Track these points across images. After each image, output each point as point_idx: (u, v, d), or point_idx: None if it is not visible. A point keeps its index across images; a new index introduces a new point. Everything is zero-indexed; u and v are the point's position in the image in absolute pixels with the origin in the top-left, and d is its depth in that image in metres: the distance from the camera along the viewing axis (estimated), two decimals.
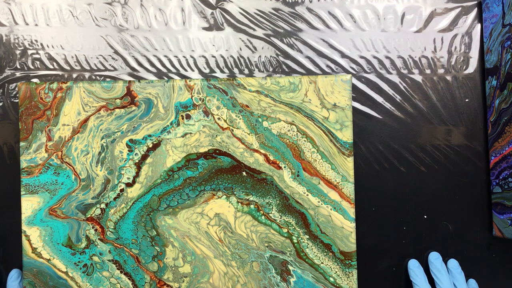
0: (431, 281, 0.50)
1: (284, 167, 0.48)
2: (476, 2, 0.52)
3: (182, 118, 0.48)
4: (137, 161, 0.49)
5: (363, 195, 0.51)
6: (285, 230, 0.48)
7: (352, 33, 0.52)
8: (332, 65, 0.52)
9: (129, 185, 0.49)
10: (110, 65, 0.52)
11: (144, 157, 0.49)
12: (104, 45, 0.52)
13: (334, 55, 0.52)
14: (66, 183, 0.49)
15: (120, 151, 0.49)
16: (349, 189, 0.48)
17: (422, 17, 0.52)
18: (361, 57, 0.52)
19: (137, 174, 0.49)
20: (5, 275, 0.51)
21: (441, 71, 0.52)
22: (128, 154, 0.49)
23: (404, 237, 0.51)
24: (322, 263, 0.48)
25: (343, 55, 0.52)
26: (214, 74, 0.52)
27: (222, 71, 0.52)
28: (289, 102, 0.48)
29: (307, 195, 0.48)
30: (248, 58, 0.52)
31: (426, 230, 0.51)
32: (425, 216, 0.51)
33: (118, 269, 0.49)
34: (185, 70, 0.52)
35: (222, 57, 0.52)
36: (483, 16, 0.51)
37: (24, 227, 0.49)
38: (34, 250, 0.49)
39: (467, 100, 0.52)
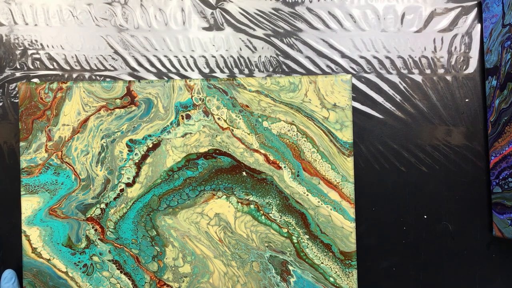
0: None
1: (284, 167, 0.48)
2: (476, 2, 0.52)
3: (182, 118, 0.48)
4: (137, 161, 0.49)
5: (363, 195, 0.51)
6: (285, 230, 0.48)
7: (352, 33, 0.52)
8: (332, 65, 0.52)
9: (129, 185, 0.49)
10: (110, 65, 0.52)
11: (144, 157, 0.49)
12: (104, 45, 0.52)
13: (334, 55, 0.52)
14: (66, 183, 0.49)
15: (120, 151, 0.49)
16: (349, 189, 0.48)
17: (422, 17, 0.52)
18: (361, 57, 0.52)
19: (137, 174, 0.49)
20: None
21: (441, 71, 0.52)
22: (128, 154, 0.49)
23: (404, 237, 0.51)
24: (322, 263, 0.48)
25: (343, 55, 0.52)
26: (214, 74, 0.52)
27: (222, 71, 0.52)
28: (289, 102, 0.48)
29: (307, 195, 0.48)
30: (248, 58, 0.52)
31: (426, 230, 0.51)
32: (425, 216, 0.51)
33: (118, 269, 0.49)
34: (185, 70, 0.52)
35: (222, 57, 0.52)
36: (483, 16, 0.51)
37: (24, 227, 0.49)
38: (34, 250, 0.49)
39: (467, 100, 0.52)
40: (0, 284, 0.48)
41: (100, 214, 0.49)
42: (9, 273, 0.48)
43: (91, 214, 0.49)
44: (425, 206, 0.51)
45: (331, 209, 0.48)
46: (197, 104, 0.48)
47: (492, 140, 0.50)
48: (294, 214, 0.48)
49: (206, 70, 0.52)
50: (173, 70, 0.52)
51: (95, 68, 0.52)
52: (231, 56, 0.52)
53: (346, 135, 0.48)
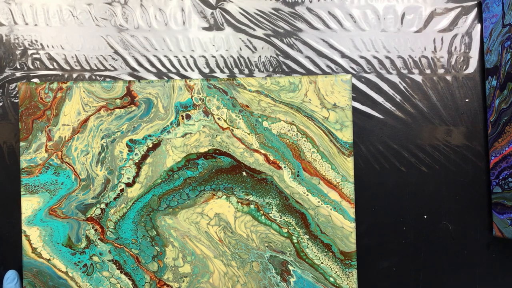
0: None
1: (284, 167, 0.48)
2: (476, 2, 0.52)
3: (182, 118, 0.48)
4: (137, 161, 0.49)
5: (363, 195, 0.51)
6: (285, 230, 0.48)
7: (352, 33, 0.52)
8: (332, 65, 0.52)
9: (129, 185, 0.49)
10: (110, 65, 0.52)
11: (144, 157, 0.49)
12: (104, 45, 0.52)
13: (334, 55, 0.52)
14: (66, 183, 0.49)
15: (120, 151, 0.49)
16: (349, 189, 0.48)
17: (422, 17, 0.52)
18: (361, 57, 0.52)
19: (137, 174, 0.49)
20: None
21: (441, 71, 0.52)
22: (128, 154, 0.49)
23: (404, 237, 0.51)
24: (322, 263, 0.48)
25: (343, 55, 0.52)
26: (214, 74, 0.52)
27: (222, 71, 0.52)
28: (289, 102, 0.48)
29: (307, 195, 0.48)
30: (248, 58, 0.52)
31: (426, 230, 0.51)
32: (425, 216, 0.51)
33: (118, 269, 0.49)
34: (185, 70, 0.52)
35: (222, 57, 0.52)
36: (483, 16, 0.51)
37: (24, 227, 0.49)
38: (34, 250, 0.49)
39: (467, 100, 0.52)
40: (2, 284, 0.48)
41: (100, 214, 0.49)
42: (11, 274, 0.48)
43: (91, 214, 0.49)
44: (425, 206, 0.51)
45: (331, 209, 0.48)
46: (197, 104, 0.48)
47: (492, 140, 0.50)
48: (294, 214, 0.48)
49: (206, 70, 0.52)
50: (173, 70, 0.52)
51: (95, 68, 0.52)
52: (231, 56, 0.52)
53: (346, 135, 0.48)
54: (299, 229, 0.48)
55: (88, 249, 0.49)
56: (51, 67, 0.52)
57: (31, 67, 0.52)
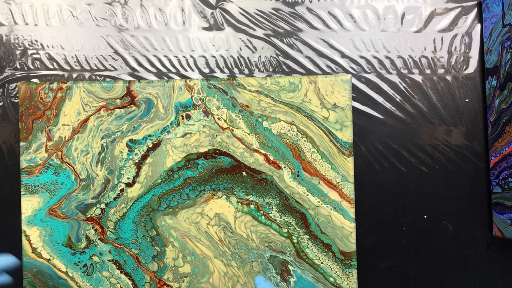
0: None
1: (284, 167, 0.48)
2: (476, 2, 0.52)
3: (182, 118, 0.48)
4: (137, 161, 0.49)
5: (363, 195, 0.51)
6: (285, 230, 0.48)
7: (352, 33, 0.52)
8: (332, 65, 0.52)
9: (129, 185, 0.49)
10: (110, 65, 0.52)
11: (144, 157, 0.49)
12: (104, 45, 0.52)
13: (334, 55, 0.52)
14: (66, 183, 0.49)
15: (120, 151, 0.49)
16: (349, 189, 0.48)
17: (422, 17, 0.52)
18: (361, 57, 0.52)
19: (137, 174, 0.49)
20: None
21: (441, 71, 0.52)
22: (128, 154, 0.49)
23: (404, 237, 0.51)
24: (322, 263, 0.48)
25: (343, 55, 0.52)
26: (214, 74, 0.52)
27: (222, 71, 0.52)
28: (289, 102, 0.48)
29: (307, 195, 0.48)
30: (248, 58, 0.52)
31: (426, 230, 0.51)
32: (425, 216, 0.51)
33: (118, 269, 0.49)
34: (185, 70, 0.52)
35: (222, 57, 0.52)
36: (483, 16, 0.51)
37: (24, 227, 0.49)
38: (34, 250, 0.49)
39: (467, 100, 0.52)
40: None
41: (100, 214, 0.49)
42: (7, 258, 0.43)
43: (91, 214, 0.49)
44: (425, 206, 0.51)
45: (331, 209, 0.48)
46: (197, 104, 0.48)
47: (492, 140, 0.50)
48: (294, 214, 0.48)
49: (206, 70, 0.52)
50: (173, 70, 0.52)
51: (95, 68, 0.52)
52: (231, 56, 0.52)
53: (346, 135, 0.48)
54: (299, 229, 0.48)
55: (88, 249, 0.49)
56: (51, 67, 0.52)
57: (31, 67, 0.52)
